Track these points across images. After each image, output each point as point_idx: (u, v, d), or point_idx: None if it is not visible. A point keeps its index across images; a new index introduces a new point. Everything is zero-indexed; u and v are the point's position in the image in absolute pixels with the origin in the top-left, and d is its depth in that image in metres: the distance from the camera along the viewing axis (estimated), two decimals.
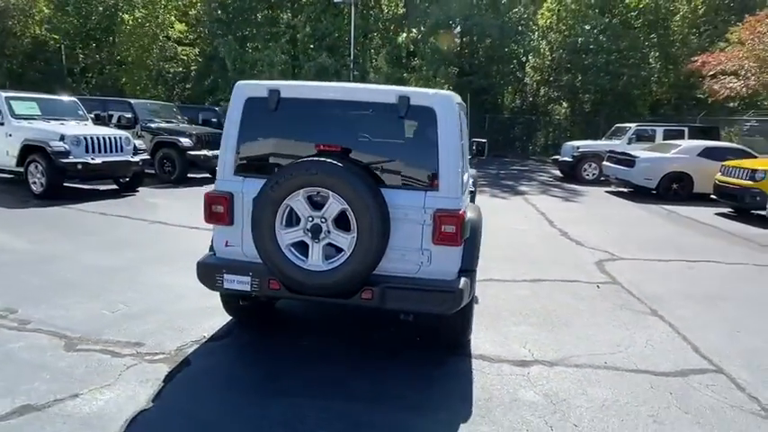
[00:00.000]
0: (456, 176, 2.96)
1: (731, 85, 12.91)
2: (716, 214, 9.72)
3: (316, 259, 2.84)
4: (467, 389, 3.10)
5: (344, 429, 2.66)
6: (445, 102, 2.96)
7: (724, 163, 10.12)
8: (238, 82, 3.26)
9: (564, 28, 24.81)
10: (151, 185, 10.57)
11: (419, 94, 2.97)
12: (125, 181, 9.97)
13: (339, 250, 2.84)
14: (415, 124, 2.99)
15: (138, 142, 10.03)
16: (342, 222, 2.81)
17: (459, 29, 27.31)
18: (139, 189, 10.08)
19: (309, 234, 2.84)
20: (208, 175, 12.57)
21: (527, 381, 3.21)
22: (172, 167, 11.33)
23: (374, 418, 2.77)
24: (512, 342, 3.75)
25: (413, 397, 3.01)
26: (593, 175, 14.25)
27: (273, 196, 2.80)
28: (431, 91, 3.02)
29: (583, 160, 14.46)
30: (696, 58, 14.77)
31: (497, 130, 26.59)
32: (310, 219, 2.83)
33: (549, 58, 25.48)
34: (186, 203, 8.94)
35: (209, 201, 3.15)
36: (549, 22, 26.05)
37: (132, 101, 12.07)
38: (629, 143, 14.06)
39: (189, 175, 11.69)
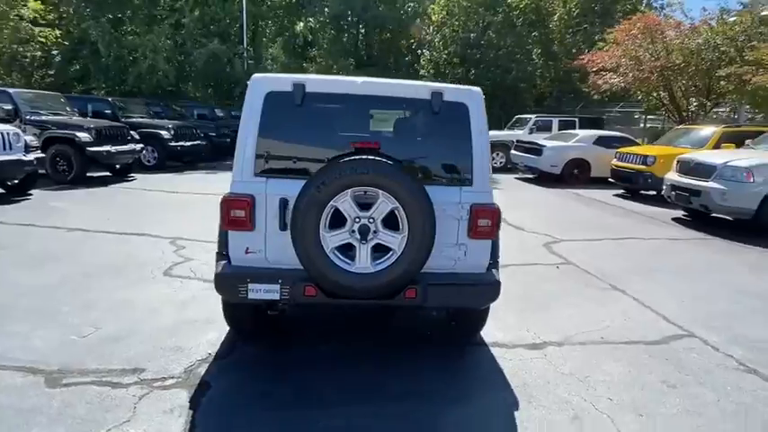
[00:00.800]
0: (487, 171, 3.00)
1: (612, 80, 14.60)
2: (614, 195, 10.97)
3: (363, 261, 2.72)
4: (499, 376, 3.19)
5: (412, 429, 2.61)
6: (476, 97, 2.98)
7: (619, 150, 11.43)
8: (255, 75, 2.98)
9: (456, 24, 26.01)
10: (44, 187, 9.24)
11: (452, 90, 2.95)
12: (13, 183, 8.61)
13: (386, 251, 2.74)
14: (449, 120, 2.97)
15: (28, 138, 8.68)
16: (389, 222, 2.72)
17: (357, 20, 27.32)
18: (33, 192, 8.77)
19: (357, 235, 2.70)
20: (109, 174, 11.34)
21: (548, 362, 3.39)
22: (68, 166, 9.99)
23: (428, 414, 2.75)
24: (514, 327, 3.92)
25: (450, 389, 3.03)
26: (501, 163, 15.25)
27: (320, 198, 2.61)
28: (463, 87, 3.02)
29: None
30: (583, 57, 16.44)
31: None
32: (357, 219, 2.69)
33: (445, 52, 26.56)
34: (98, 207, 7.99)
35: (229, 205, 2.85)
36: (440, 17, 27.10)
37: (10, 90, 10.37)
38: (530, 133, 15.26)
39: (88, 174, 10.41)
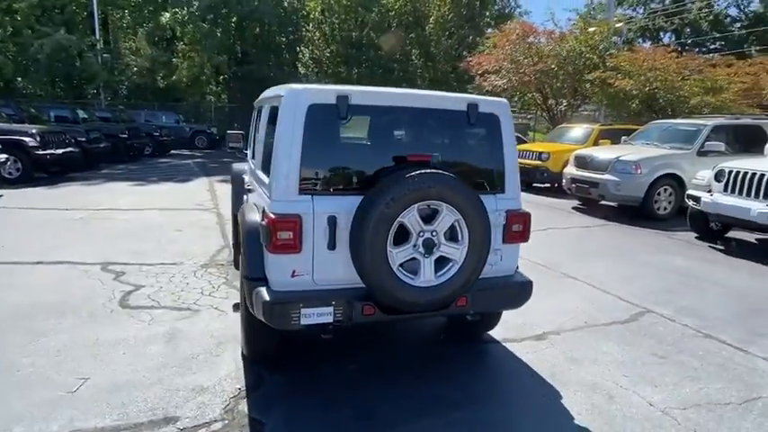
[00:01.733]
0: (517, 178, 3.18)
1: (496, 82, 15.93)
2: None
3: (428, 275, 2.71)
4: (527, 369, 3.41)
5: None
6: (505, 108, 3.13)
7: (517, 146, 12.53)
8: (292, 87, 2.78)
9: (336, 22, 26.11)
10: None
11: (484, 101, 3.06)
12: None
13: (446, 262, 2.77)
14: (482, 131, 3.08)
15: None
16: (450, 234, 2.75)
17: (231, 13, 25.93)
18: None
19: (421, 249, 2.69)
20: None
21: (557, 350, 3.69)
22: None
23: (492, 415, 2.86)
24: (509, 322, 4.16)
25: (494, 389, 3.18)
26: None
27: (389, 214, 2.55)
28: (493, 99, 3.14)
29: None
30: (470, 59, 17.64)
31: None
32: (421, 234, 2.68)
33: (328, 50, 26.52)
34: (43, 222, 6.67)
35: (276, 227, 2.64)
36: (316, 14, 26.96)
37: None
38: None
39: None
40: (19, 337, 3.59)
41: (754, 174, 6.09)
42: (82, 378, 3.07)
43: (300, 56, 28.66)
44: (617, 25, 15.53)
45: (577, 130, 12.33)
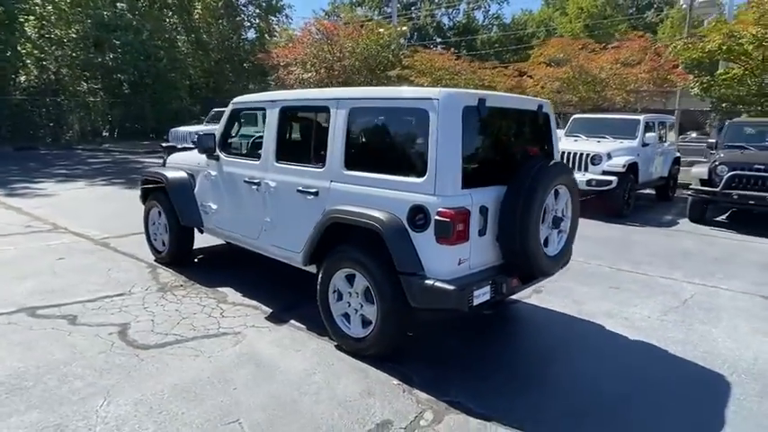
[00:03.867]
0: None
1: (304, 75, 16.19)
2: None
3: (556, 245, 3.29)
4: (561, 317, 4.29)
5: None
6: (549, 105, 3.84)
7: None
8: (445, 90, 2.95)
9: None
10: None
11: (544, 102, 3.71)
12: None
13: (561, 234, 3.39)
14: (543, 125, 3.74)
15: None
16: (563, 210, 3.39)
17: None
18: None
19: (553, 225, 3.24)
20: None
21: (551, 297, 4.68)
22: None
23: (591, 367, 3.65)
24: None
25: (561, 345, 3.96)
26: None
27: (543, 198, 3.03)
28: (541, 99, 3.80)
29: None
30: (273, 51, 17.36)
31: (10, 116, 21.34)
32: (554, 212, 3.24)
33: (72, 31, 22.17)
34: None
35: (455, 219, 2.83)
36: None
37: None
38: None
39: None
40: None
41: (575, 153, 8.32)
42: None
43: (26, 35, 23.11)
44: (403, 29, 17.65)
45: None
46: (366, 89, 3.91)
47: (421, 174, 3.00)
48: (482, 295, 3.00)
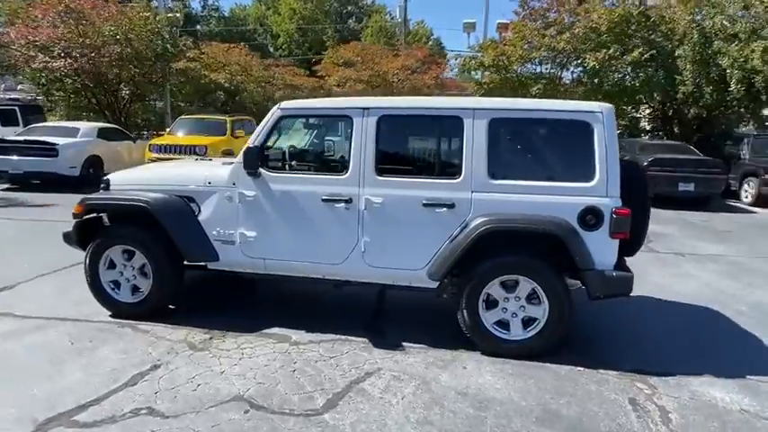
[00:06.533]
0: None
1: (55, 64, 12.33)
2: None
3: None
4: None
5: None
6: None
7: (153, 142, 11.18)
8: (605, 105, 3.32)
9: None
10: None
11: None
12: None
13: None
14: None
15: None
16: None
17: None
18: None
19: None
20: None
21: None
22: None
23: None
24: None
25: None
26: None
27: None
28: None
29: None
30: (8, 30, 12.56)
31: None
32: None
33: None
34: None
35: (629, 216, 3.21)
36: None
37: None
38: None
39: None
40: None
41: None
42: None
43: None
44: (176, 15, 15.32)
45: (209, 122, 12.28)
46: (506, 100, 3.80)
47: (588, 179, 3.22)
48: None
